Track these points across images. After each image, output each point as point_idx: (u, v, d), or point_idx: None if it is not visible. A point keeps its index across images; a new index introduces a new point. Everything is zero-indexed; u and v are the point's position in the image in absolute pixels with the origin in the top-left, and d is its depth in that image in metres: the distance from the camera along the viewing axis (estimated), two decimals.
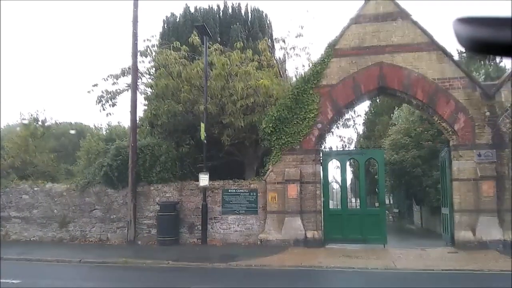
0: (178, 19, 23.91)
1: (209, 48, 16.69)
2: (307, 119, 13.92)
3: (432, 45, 13.59)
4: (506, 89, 12.97)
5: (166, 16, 24.41)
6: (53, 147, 30.30)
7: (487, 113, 12.99)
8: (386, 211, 41.60)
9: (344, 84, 14.02)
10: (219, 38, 21.83)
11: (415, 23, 13.76)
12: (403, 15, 13.84)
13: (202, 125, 14.27)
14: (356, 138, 31.46)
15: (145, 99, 15.90)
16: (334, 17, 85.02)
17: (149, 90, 16.09)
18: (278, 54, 20.97)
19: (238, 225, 14.35)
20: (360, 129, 34.94)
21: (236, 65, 15.67)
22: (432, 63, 13.51)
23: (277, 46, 20.17)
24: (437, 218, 20.31)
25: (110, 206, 15.47)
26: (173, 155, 15.15)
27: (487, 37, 0.94)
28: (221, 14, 24.50)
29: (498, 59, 21.74)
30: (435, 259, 11.40)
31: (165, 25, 24.04)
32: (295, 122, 13.98)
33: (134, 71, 15.22)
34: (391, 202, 34.05)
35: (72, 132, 33.75)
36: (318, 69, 14.10)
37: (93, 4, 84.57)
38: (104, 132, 31.20)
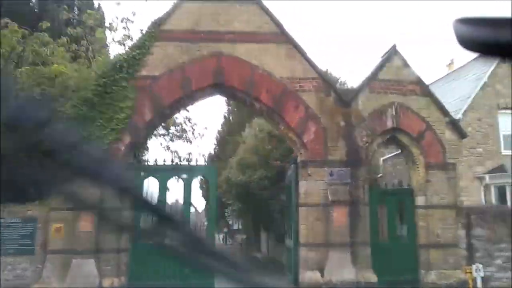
0: None
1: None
2: (115, 120, 10.03)
3: (282, 37, 10.91)
4: (364, 95, 10.75)
5: None
6: None
7: (342, 123, 10.59)
8: (228, 236, 40.42)
9: (170, 77, 10.54)
10: (40, 28, 17.19)
11: (262, 8, 10.96)
12: None
13: None
14: (207, 157, 28.48)
15: None
16: None
17: None
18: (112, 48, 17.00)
19: (4, 271, 9.69)
20: (212, 148, 32.35)
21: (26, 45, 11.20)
22: (281, 59, 10.78)
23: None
24: (283, 248, 18.09)
25: None
26: None
27: (487, 37, 0.88)
28: None
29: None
30: None
31: None
32: (98, 123, 9.95)
33: None
34: (240, 227, 33.36)
35: None
36: (136, 54, 10.42)
37: None
38: None
